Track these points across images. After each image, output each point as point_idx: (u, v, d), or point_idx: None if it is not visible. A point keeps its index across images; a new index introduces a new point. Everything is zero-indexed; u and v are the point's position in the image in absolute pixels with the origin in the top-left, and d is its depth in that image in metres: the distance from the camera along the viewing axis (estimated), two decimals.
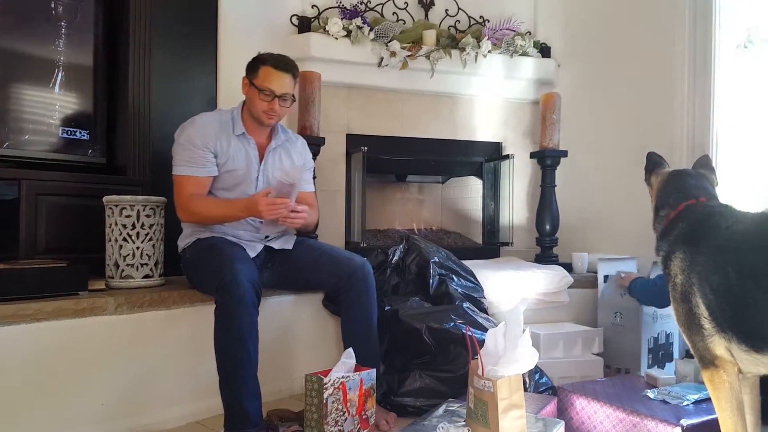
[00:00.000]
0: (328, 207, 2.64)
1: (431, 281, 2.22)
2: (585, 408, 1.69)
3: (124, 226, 1.90)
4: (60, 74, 2.15)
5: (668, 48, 2.68)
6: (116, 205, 1.90)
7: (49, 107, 2.13)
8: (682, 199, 1.42)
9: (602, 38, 2.97)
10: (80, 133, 2.19)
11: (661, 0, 2.69)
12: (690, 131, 2.68)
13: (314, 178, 2.38)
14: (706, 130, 2.64)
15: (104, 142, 2.28)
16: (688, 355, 1.97)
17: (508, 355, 1.31)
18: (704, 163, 1.53)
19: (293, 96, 1.88)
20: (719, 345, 1.22)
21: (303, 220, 1.79)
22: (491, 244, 3.05)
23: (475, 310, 2.14)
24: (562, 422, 1.45)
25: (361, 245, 2.60)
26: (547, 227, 2.76)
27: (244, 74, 1.89)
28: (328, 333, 2.20)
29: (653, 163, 1.59)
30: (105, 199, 1.92)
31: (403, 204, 3.34)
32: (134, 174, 2.26)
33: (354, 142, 2.76)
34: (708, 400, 1.58)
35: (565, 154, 2.76)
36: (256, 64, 1.85)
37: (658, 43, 2.72)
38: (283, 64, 1.84)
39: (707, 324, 1.23)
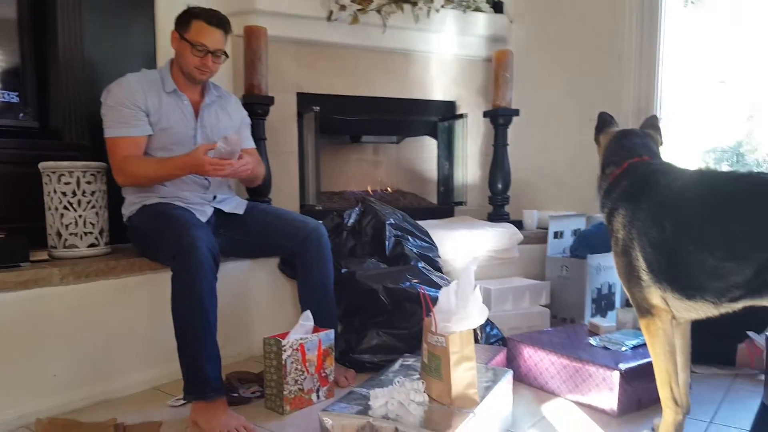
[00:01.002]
0: (281, 170, 2.58)
1: (387, 243, 2.24)
2: (532, 356, 1.78)
3: (64, 193, 1.81)
4: None
5: (618, 4, 2.72)
6: (54, 172, 1.81)
7: None
8: (626, 157, 1.47)
9: None
10: (9, 95, 2.02)
11: None
12: (636, 88, 2.77)
13: (264, 139, 2.34)
14: (651, 87, 2.74)
15: (36, 105, 2.11)
16: (627, 304, 2.10)
17: (459, 312, 1.35)
18: (651, 123, 1.58)
19: (225, 53, 1.85)
20: (655, 295, 1.30)
21: (249, 166, 1.78)
22: (446, 204, 3.09)
23: (430, 269, 2.18)
24: (510, 371, 1.53)
25: (317, 208, 2.58)
26: (499, 186, 2.81)
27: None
28: (285, 296, 2.21)
29: (603, 122, 1.63)
30: (41, 165, 1.82)
31: (358, 165, 3.31)
32: (71, 138, 2.12)
33: (305, 101, 2.68)
34: (644, 345, 1.69)
35: (516, 112, 2.79)
36: (187, 18, 1.79)
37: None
38: (216, 19, 1.80)
39: (645, 276, 1.30)
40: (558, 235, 2.54)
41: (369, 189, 3.19)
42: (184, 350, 1.57)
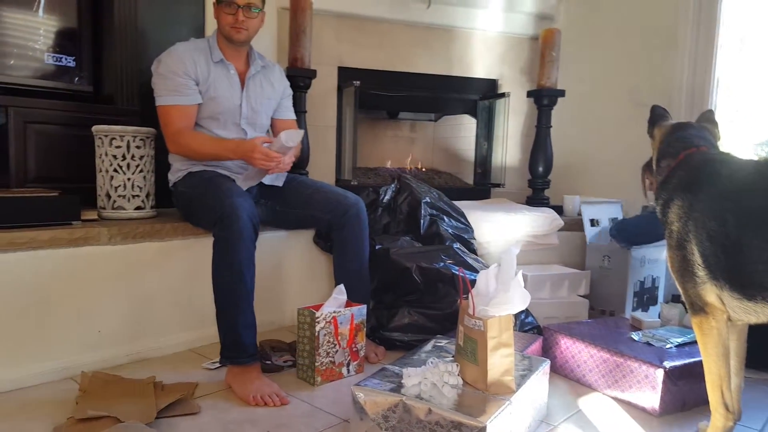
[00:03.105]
0: (318, 143, 2.58)
1: (422, 221, 2.21)
2: (569, 347, 1.74)
3: (115, 156, 1.86)
4: None
5: None
6: (106, 135, 1.86)
7: (34, 32, 2.02)
8: (682, 148, 1.40)
9: None
10: (66, 59, 2.10)
11: None
12: (691, 74, 2.63)
13: (304, 112, 2.33)
14: (707, 74, 2.60)
15: (91, 70, 2.19)
16: (673, 299, 2.02)
17: (499, 296, 1.31)
18: (708, 118, 1.51)
19: (261, 8, 1.83)
20: (711, 292, 1.23)
21: (292, 162, 1.81)
22: (482, 185, 3.03)
23: (465, 250, 2.15)
24: (548, 361, 1.49)
25: (352, 183, 2.56)
26: (540, 169, 2.74)
27: None
28: (318, 269, 2.22)
29: (657, 115, 1.56)
30: (94, 128, 1.87)
31: (395, 142, 3.28)
32: (123, 103, 2.19)
33: (346, 75, 2.66)
34: (691, 343, 1.64)
35: (562, 93, 2.70)
36: None
37: None
38: None
39: (701, 271, 1.24)
40: (594, 222, 2.45)
41: (405, 165, 3.16)
42: (222, 315, 1.60)
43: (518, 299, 1.31)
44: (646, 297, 2.31)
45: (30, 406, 1.44)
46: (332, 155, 2.71)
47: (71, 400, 1.46)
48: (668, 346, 1.65)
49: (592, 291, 2.36)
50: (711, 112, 1.53)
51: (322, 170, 2.61)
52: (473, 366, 1.32)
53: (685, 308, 1.80)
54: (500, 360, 1.30)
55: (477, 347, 1.30)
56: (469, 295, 1.35)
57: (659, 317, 1.89)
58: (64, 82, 2.10)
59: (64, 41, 2.10)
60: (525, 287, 1.33)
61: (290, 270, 2.17)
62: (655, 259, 2.29)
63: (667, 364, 1.51)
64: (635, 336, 1.73)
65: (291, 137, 1.72)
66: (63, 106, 2.05)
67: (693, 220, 1.25)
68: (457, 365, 1.35)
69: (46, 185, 1.92)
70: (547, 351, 1.80)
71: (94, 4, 2.18)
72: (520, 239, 2.42)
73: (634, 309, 2.27)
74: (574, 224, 2.62)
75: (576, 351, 1.72)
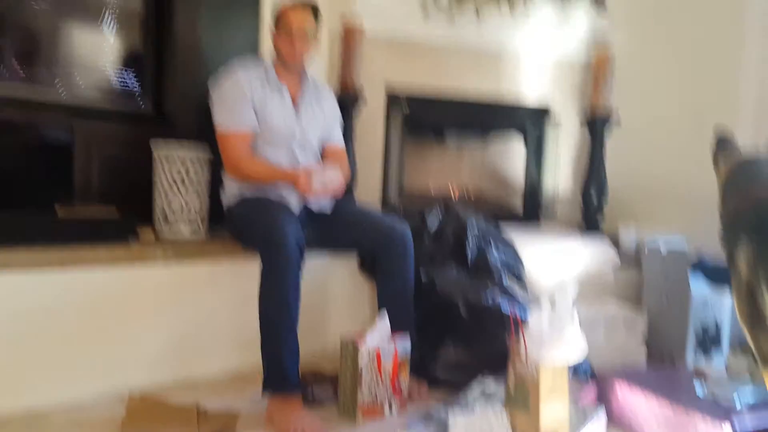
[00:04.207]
0: (365, 169, 2.56)
1: (469, 252, 2.15)
2: (626, 398, 1.63)
3: (174, 179, 1.92)
4: (109, 18, 2.12)
5: (736, 3, 2.48)
6: (166, 158, 1.92)
7: (100, 54, 2.12)
8: (754, 192, 1.31)
9: None
10: (131, 81, 2.18)
11: None
12: (757, 97, 2.49)
13: (352, 137, 2.33)
14: None
15: (153, 92, 2.26)
16: (740, 347, 1.87)
17: (554, 341, 1.25)
18: None
19: (316, 33, 1.87)
20: None
21: (333, 188, 1.84)
22: (532, 214, 2.95)
23: (515, 285, 2.08)
24: (603, 411, 1.41)
25: (398, 209, 2.53)
26: (594, 199, 2.66)
27: None
28: (361, 294, 2.19)
29: (722, 142, 1.48)
30: (155, 150, 1.93)
31: (441, 166, 3.24)
32: (182, 126, 2.24)
33: (394, 101, 2.64)
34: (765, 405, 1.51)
35: (617, 120, 2.60)
36: (277, 13, 1.88)
37: None
38: (299, 1, 1.85)
39: None
40: None
41: (452, 192, 3.11)
42: (266, 343, 1.60)
43: (574, 346, 1.25)
44: (708, 341, 2.16)
45: (79, 425, 1.47)
46: (378, 180, 2.69)
47: (118, 420, 1.48)
48: (738, 406, 1.51)
49: (650, 332, 2.22)
50: None
51: (368, 196, 2.59)
52: (524, 415, 1.26)
53: (755, 360, 1.67)
54: (553, 410, 1.24)
55: (529, 395, 1.25)
56: (521, 338, 1.29)
57: (725, 368, 1.76)
58: (127, 104, 2.18)
59: (129, 64, 2.18)
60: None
61: (333, 295, 2.16)
62: (719, 301, 2.15)
63: (737, 425, 1.39)
64: (699, 390, 1.61)
65: (323, 185, 1.78)
66: (126, 126, 2.12)
67: (764, 265, 1.16)
68: (507, 413, 1.29)
69: (107, 203, 1.97)
70: (601, 399, 1.70)
71: (156, 28, 2.25)
72: (574, 276, 2.32)
73: (695, 353, 2.13)
74: (631, 258, 2.49)
75: (634, 402, 1.61)
